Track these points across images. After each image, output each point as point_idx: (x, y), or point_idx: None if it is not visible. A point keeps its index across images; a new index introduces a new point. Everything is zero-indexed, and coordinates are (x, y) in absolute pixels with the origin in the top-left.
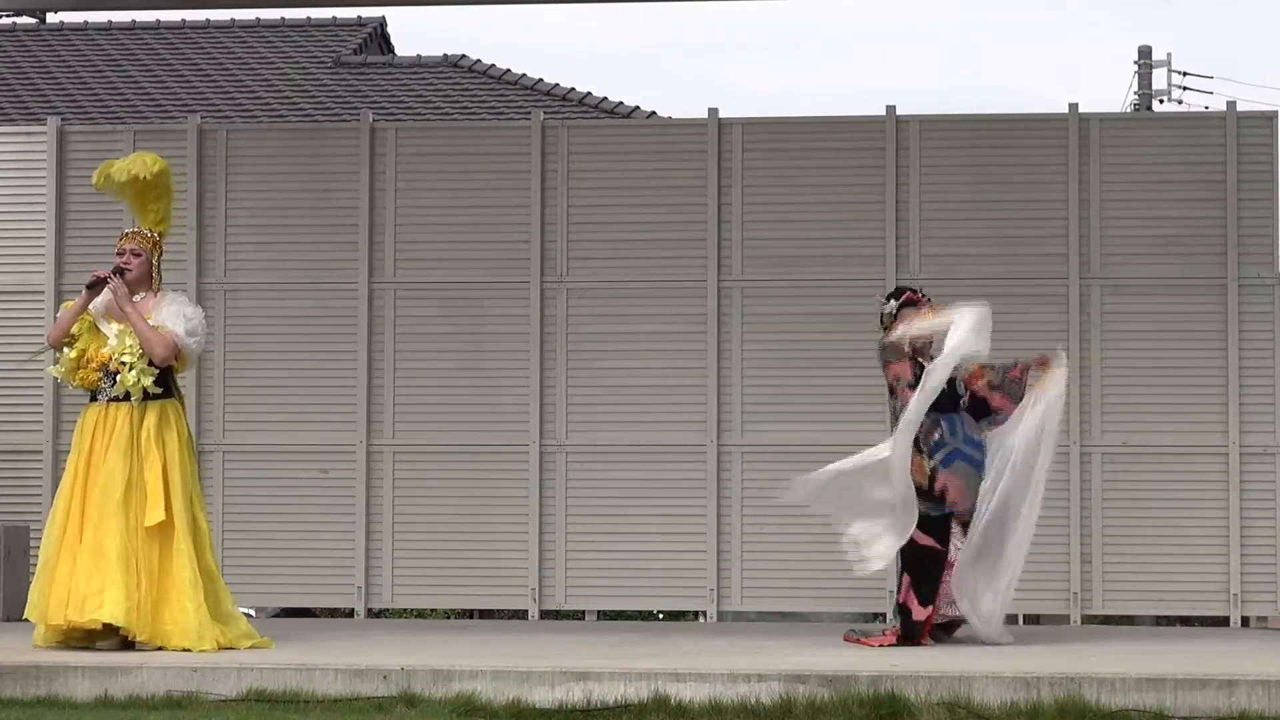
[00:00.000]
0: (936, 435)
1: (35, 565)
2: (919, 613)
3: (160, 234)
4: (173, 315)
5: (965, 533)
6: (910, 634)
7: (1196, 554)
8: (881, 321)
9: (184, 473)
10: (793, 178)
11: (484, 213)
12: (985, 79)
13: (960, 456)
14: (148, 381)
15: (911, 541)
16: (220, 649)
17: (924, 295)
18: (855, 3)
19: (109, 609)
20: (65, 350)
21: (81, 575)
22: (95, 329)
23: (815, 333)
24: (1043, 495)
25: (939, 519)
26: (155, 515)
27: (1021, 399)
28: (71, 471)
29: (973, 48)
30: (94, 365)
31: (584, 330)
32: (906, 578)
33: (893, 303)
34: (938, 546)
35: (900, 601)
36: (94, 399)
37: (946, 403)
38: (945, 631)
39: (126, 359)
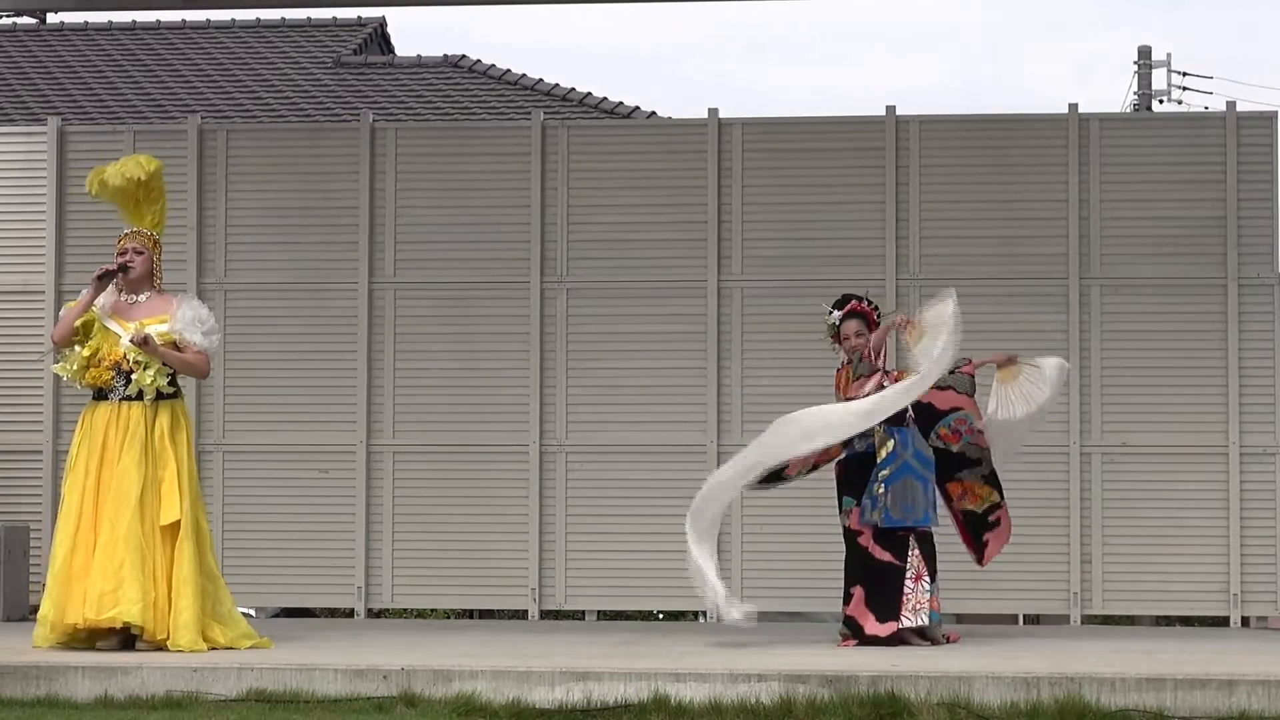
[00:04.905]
0: (888, 448)
1: (35, 565)
2: (876, 628)
3: (157, 236)
4: (189, 325)
5: (920, 546)
6: (866, 646)
7: (1196, 554)
8: (829, 332)
9: (191, 473)
10: (793, 178)
11: (484, 213)
12: (987, 80)
13: (909, 470)
14: (163, 381)
15: (869, 556)
16: (215, 648)
17: (871, 303)
18: (857, 3)
19: (126, 608)
20: (75, 349)
21: (97, 574)
22: (105, 329)
23: (815, 333)
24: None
25: (891, 532)
26: (171, 514)
27: (974, 393)
28: (82, 470)
29: (974, 49)
30: (106, 364)
31: (584, 330)
32: (859, 590)
33: (836, 313)
34: (895, 562)
35: (849, 614)
36: (102, 398)
37: (895, 415)
38: (917, 634)
39: (141, 358)
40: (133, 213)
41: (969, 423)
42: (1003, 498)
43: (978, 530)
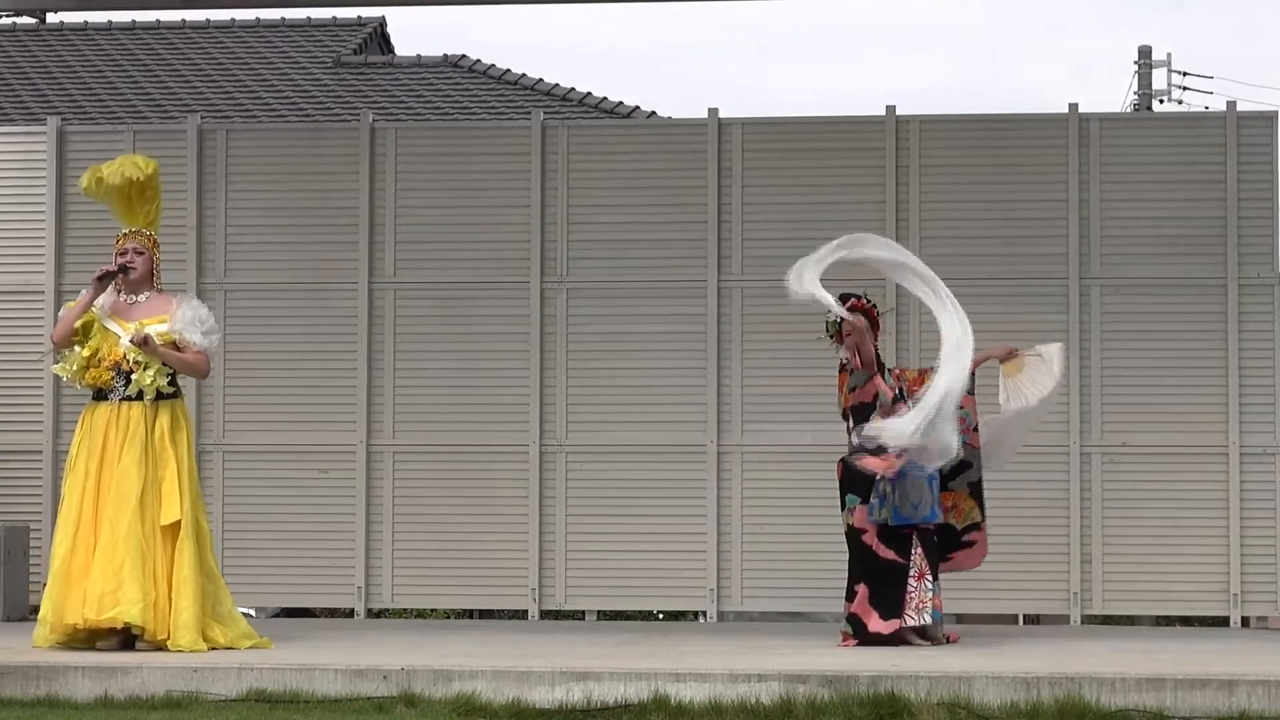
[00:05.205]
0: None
1: (35, 565)
2: (879, 625)
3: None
4: (189, 325)
5: (924, 544)
6: (868, 643)
7: (1196, 554)
8: (827, 330)
9: (191, 474)
10: (793, 178)
11: (484, 213)
12: (987, 80)
13: (913, 468)
14: (163, 381)
15: (873, 554)
16: (215, 648)
17: (870, 301)
18: (857, 3)
19: (126, 608)
20: (75, 349)
21: (97, 574)
22: (105, 329)
23: (815, 333)
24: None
25: (895, 530)
26: (172, 514)
27: (974, 391)
28: (82, 471)
29: (974, 49)
30: (107, 364)
31: (584, 330)
32: (863, 588)
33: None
34: (899, 560)
35: (853, 612)
36: (101, 398)
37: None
38: (918, 635)
39: (141, 359)
40: (125, 212)
41: (968, 421)
42: (984, 517)
43: (947, 545)
